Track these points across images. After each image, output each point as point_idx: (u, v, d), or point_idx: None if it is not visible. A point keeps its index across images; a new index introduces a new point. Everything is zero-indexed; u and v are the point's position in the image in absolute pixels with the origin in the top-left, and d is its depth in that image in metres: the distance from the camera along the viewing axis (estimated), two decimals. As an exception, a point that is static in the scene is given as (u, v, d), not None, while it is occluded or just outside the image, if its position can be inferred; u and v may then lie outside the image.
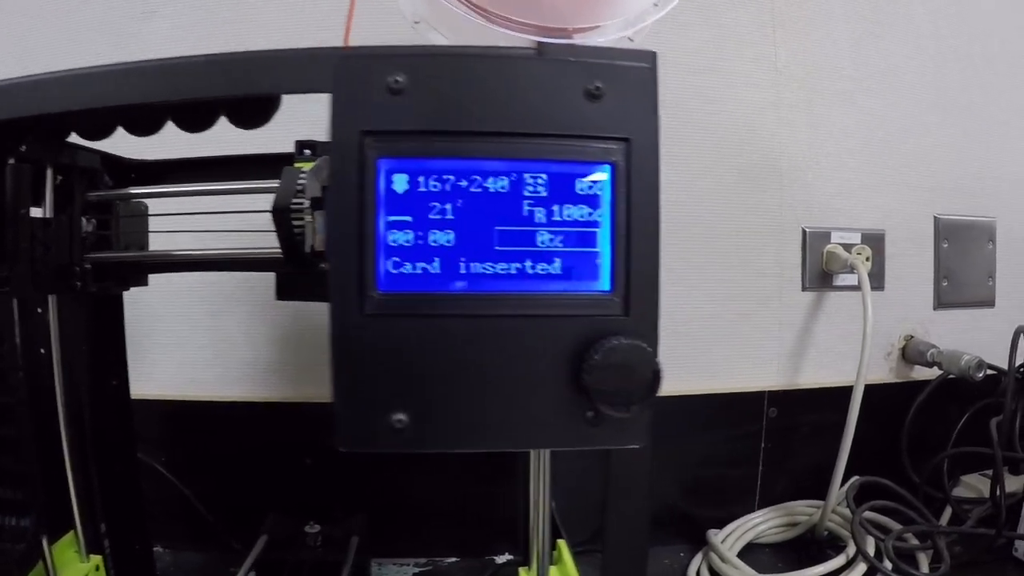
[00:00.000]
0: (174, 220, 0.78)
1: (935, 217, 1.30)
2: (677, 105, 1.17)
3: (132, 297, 0.83)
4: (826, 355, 1.25)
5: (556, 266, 0.47)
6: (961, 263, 1.32)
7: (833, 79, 1.24)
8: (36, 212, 0.69)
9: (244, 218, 0.72)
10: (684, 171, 1.18)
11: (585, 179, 0.46)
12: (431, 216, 0.46)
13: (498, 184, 0.46)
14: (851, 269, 1.19)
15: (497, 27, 0.63)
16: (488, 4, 0.63)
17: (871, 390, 1.19)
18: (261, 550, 0.90)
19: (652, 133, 0.46)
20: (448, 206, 0.46)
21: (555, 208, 0.46)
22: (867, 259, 1.23)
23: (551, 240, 0.46)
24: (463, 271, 0.46)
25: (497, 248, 0.46)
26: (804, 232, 1.22)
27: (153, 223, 0.83)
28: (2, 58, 1.10)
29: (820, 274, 1.23)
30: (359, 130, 0.45)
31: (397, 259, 0.46)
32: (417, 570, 1.09)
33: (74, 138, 0.68)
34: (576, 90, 0.46)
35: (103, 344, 0.82)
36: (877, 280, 1.25)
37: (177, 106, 0.61)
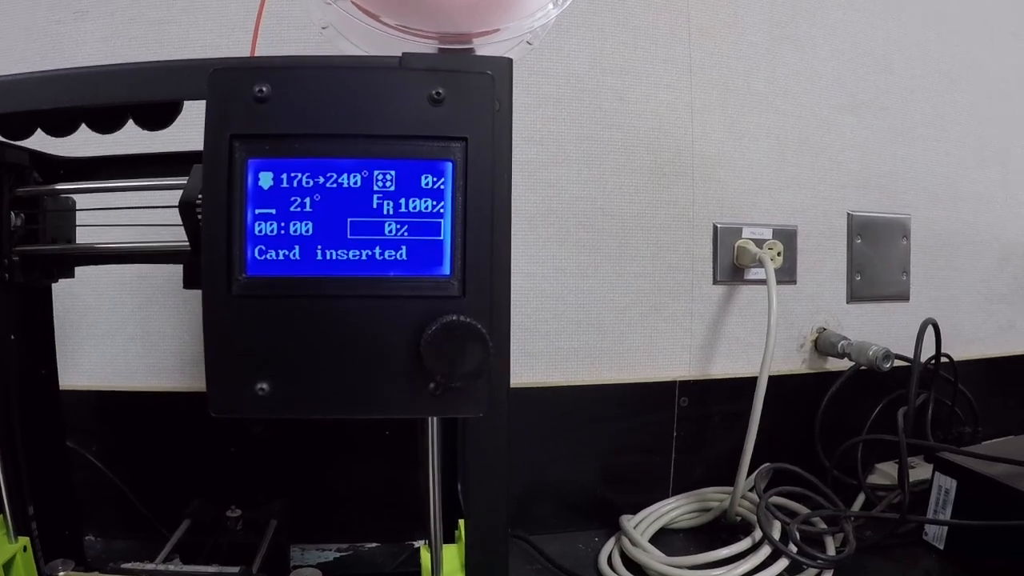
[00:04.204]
0: (102, 215, 0.81)
1: (848, 214, 1.34)
2: (592, 105, 1.19)
3: (64, 290, 0.85)
4: (737, 346, 1.27)
5: (402, 253, 0.52)
6: (874, 258, 1.35)
7: (748, 81, 1.27)
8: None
9: (167, 212, 0.73)
10: (597, 168, 1.20)
11: (430, 175, 0.52)
12: (292, 209, 0.51)
13: (351, 180, 0.51)
14: (760, 263, 1.20)
15: (400, 36, 0.68)
16: (387, 17, 0.67)
17: (784, 381, 1.24)
18: (183, 533, 0.92)
19: (489, 132, 0.51)
20: (307, 200, 0.51)
21: (402, 201, 0.52)
22: (778, 254, 1.26)
23: (398, 230, 0.52)
24: (320, 257, 0.51)
25: (350, 237, 0.52)
26: (715, 227, 1.25)
27: (81, 217, 0.85)
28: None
29: (731, 268, 1.25)
30: (229, 134, 0.50)
31: (262, 247, 0.51)
32: (338, 554, 1.10)
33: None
34: (421, 96, 0.51)
35: (32, 334, 0.83)
36: (789, 274, 1.29)
37: (88, 110, 0.66)
